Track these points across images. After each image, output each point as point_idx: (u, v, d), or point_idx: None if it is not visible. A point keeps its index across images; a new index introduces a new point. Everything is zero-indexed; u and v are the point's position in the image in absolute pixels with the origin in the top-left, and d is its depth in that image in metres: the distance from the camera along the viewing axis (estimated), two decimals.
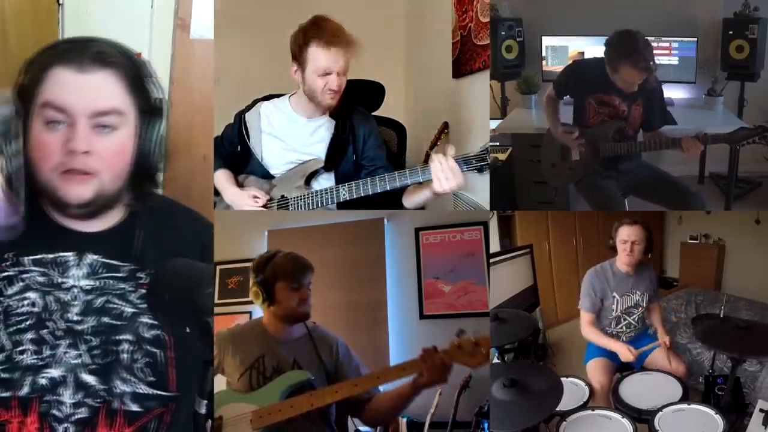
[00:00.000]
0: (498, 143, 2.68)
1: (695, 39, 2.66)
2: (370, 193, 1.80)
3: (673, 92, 2.72)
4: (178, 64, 2.08)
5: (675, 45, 2.68)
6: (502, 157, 2.63)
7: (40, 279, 1.25)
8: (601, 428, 1.72)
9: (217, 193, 2.04)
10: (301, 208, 1.91)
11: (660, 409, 1.73)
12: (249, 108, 2.08)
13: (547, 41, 2.86)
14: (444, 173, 1.67)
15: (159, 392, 1.27)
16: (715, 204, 2.62)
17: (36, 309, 1.23)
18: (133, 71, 1.26)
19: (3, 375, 1.20)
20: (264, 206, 1.95)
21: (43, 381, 1.21)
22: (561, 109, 2.31)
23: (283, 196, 1.96)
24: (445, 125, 2.58)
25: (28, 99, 1.21)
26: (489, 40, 2.30)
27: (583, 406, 1.85)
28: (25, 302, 1.23)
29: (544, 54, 2.88)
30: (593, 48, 2.69)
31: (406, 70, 3.48)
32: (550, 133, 2.33)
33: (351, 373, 1.66)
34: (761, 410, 1.68)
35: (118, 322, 1.27)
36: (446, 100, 2.67)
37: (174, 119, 1.47)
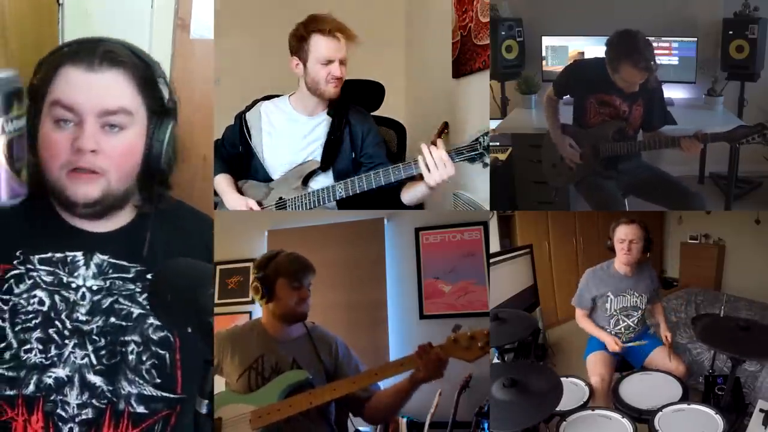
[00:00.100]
0: (498, 143, 2.68)
1: (695, 39, 2.67)
2: (366, 189, 1.81)
3: (673, 92, 2.72)
4: (178, 64, 2.07)
5: (675, 45, 2.68)
6: (502, 157, 2.63)
7: (48, 278, 1.25)
8: (601, 428, 1.72)
9: (216, 194, 2.05)
10: (298, 208, 1.92)
11: (660, 409, 1.73)
12: (249, 108, 2.10)
13: (547, 41, 2.86)
14: (433, 164, 1.67)
15: (165, 394, 1.27)
16: (715, 204, 2.62)
17: (43, 308, 1.24)
18: (143, 71, 1.26)
19: (9, 373, 1.21)
20: (262, 207, 1.97)
21: (48, 380, 1.22)
22: (561, 109, 2.31)
23: (280, 198, 1.96)
24: (445, 125, 2.59)
25: (39, 98, 1.21)
26: (489, 40, 2.30)
27: (583, 406, 1.85)
28: (33, 301, 1.24)
29: (544, 54, 2.88)
30: (593, 48, 2.69)
31: (406, 70, 3.48)
32: (549, 134, 2.33)
33: (351, 373, 1.67)
34: (761, 410, 1.68)
35: (126, 323, 1.27)
36: (446, 100, 2.67)
37: None
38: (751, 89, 2.66)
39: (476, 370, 2.11)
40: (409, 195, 1.88)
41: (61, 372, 1.23)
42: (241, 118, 2.09)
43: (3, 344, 1.21)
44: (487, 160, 1.71)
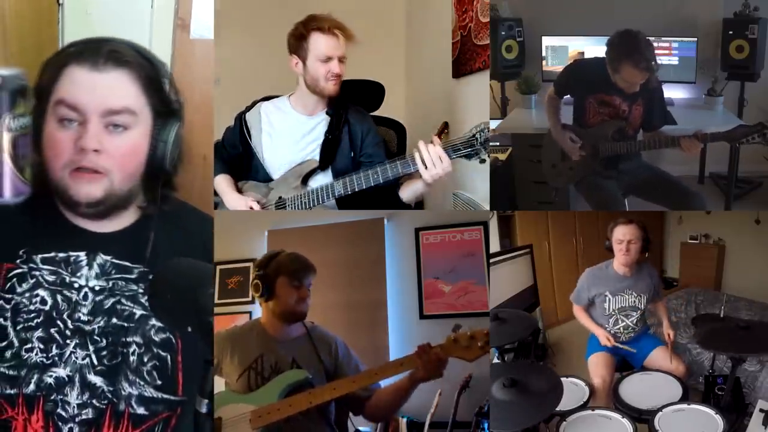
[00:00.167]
0: (498, 143, 2.68)
1: (695, 39, 2.66)
2: (364, 186, 1.81)
3: (673, 92, 2.72)
4: (178, 64, 2.07)
5: (675, 45, 2.68)
6: (502, 157, 2.63)
7: (51, 277, 1.25)
8: (601, 428, 1.72)
9: (216, 195, 2.05)
10: (297, 207, 1.93)
11: (660, 409, 1.73)
12: (249, 109, 2.10)
13: (547, 41, 2.86)
14: (429, 160, 1.68)
15: (166, 396, 1.27)
16: (715, 204, 2.62)
17: (45, 307, 1.24)
18: (149, 72, 1.25)
19: (10, 372, 1.20)
20: (262, 207, 1.97)
21: (49, 380, 1.21)
22: (561, 109, 2.32)
23: (280, 198, 1.97)
24: (445, 125, 2.59)
25: (44, 97, 1.21)
26: (489, 40, 2.31)
27: (583, 406, 1.85)
28: (35, 300, 1.23)
29: (544, 54, 2.88)
30: (593, 48, 2.69)
31: (406, 70, 3.49)
32: (550, 133, 2.33)
33: (350, 373, 1.67)
34: (761, 410, 1.68)
35: (128, 324, 1.27)
36: (446, 100, 2.67)
37: None
38: (751, 89, 2.66)
39: (476, 370, 2.11)
40: (407, 192, 1.88)
41: (61, 372, 1.22)
42: (240, 119, 2.09)
43: (4, 343, 1.21)
44: (484, 156, 1.70)
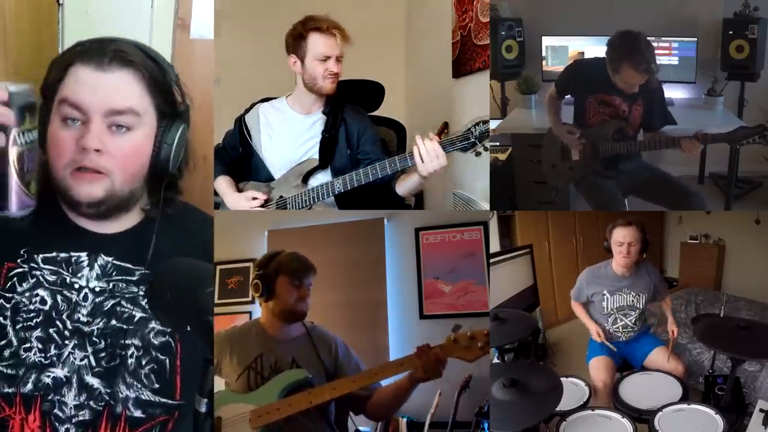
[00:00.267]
0: (498, 143, 2.68)
1: (695, 39, 2.66)
2: (363, 182, 1.83)
3: (673, 92, 2.72)
4: (178, 64, 2.07)
5: (675, 45, 2.68)
6: (502, 157, 2.63)
7: (51, 277, 1.24)
8: (601, 428, 1.72)
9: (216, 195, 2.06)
10: (298, 205, 1.94)
11: (660, 409, 1.73)
12: (248, 111, 2.13)
13: (547, 41, 2.86)
14: (426, 155, 1.70)
15: (163, 400, 1.26)
16: (715, 204, 2.62)
17: (45, 307, 1.23)
18: (154, 73, 1.25)
19: (8, 371, 1.20)
20: (263, 206, 1.98)
21: (47, 380, 1.21)
22: (562, 109, 2.32)
23: (281, 197, 1.98)
24: (445, 125, 2.58)
25: (50, 96, 1.21)
26: (489, 40, 2.31)
27: (583, 406, 1.85)
28: (35, 300, 1.23)
29: (544, 54, 2.88)
30: (593, 48, 2.69)
31: (406, 70, 3.48)
32: (550, 133, 2.33)
33: (351, 372, 1.67)
34: (761, 410, 1.68)
35: (127, 326, 1.26)
36: (446, 100, 2.67)
37: None
38: (751, 89, 2.66)
39: (476, 370, 2.11)
40: (403, 186, 1.90)
41: (59, 372, 1.22)
42: (240, 121, 2.12)
43: (3, 342, 1.21)
44: (480, 149, 1.71)
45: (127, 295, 1.27)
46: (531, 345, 2.51)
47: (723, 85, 2.69)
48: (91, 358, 1.24)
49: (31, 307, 1.23)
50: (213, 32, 2.01)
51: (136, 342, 1.26)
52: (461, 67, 2.50)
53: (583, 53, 2.79)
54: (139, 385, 1.25)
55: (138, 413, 1.25)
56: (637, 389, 1.95)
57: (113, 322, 1.26)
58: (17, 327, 1.22)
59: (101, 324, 1.25)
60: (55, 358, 1.22)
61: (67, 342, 1.23)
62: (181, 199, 1.38)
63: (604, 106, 2.16)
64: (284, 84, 2.12)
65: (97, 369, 1.24)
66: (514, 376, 1.63)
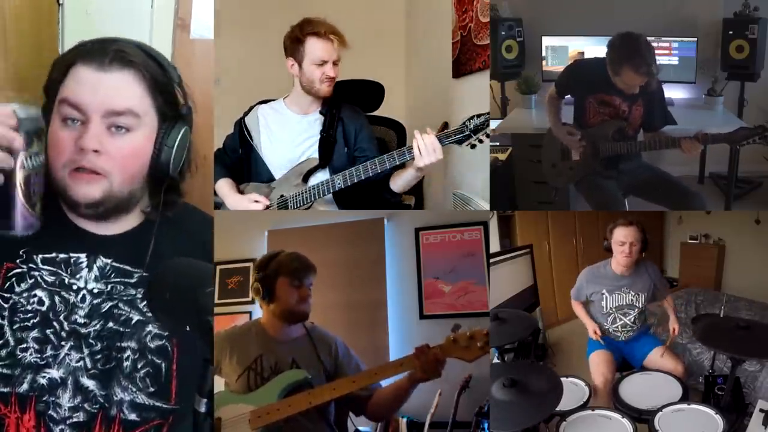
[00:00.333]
0: (498, 143, 2.68)
1: (695, 39, 2.66)
2: (363, 177, 1.87)
3: (673, 92, 2.71)
4: (178, 64, 2.07)
5: (675, 45, 2.68)
6: (502, 157, 2.63)
7: (50, 278, 1.24)
8: (601, 428, 1.72)
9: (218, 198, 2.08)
10: (299, 203, 1.97)
11: (660, 409, 1.73)
12: (247, 113, 2.16)
13: (547, 41, 2.86)
14: (424, 148, 1.76)
15: (158, 404, 1.25)
16: (715, 204, 2.62)
17: (42, 308, 1.23)
18: (156, 74, 1.24)
19: (4, 370, 1.20)
20: (266, 208, 2.00)
21: (42, 380, 1.21)
22: (562, 109, 2.32)
23: (281, 196, 2.00)
24: (445, 125, 2.58)
25: (52, 96, 1.21)
26: (489, 40, 2.30)
27: (583, 406, 1.85)
28: (33, 300, 1.23)
29: (544, 54, 2.87)
30: (593, 48, 2.69)
31: (406, 70, 3.48)
32: (550, 132, 2.33)
33: (351, 373, 1.67)
34: (761, 410, 1.68)
35: (124, 329, 1.25)
36: (446, 100, 2.67)
37: None
38: (751, 89, 2.66)
39: (476, 370, 2.11)
40: (398, 182, 1.93)
41: (55, 373, 1.21)
42: (240, 124, 2.14)
43: (0, 342, 1.20)
44: (475, 142, 1.78)
45: (125, 298, 1.26)
46: (531, 345, 2.51)
47: (723, 85, 2.69)
48: (87, 359, 1.23)
49: (29, 307, 1.22)
50: (213, 32, 2.01)
51: (133, 345, 1.25)
52: (461, 67, 2.50)
53: (583, 53, 2.79)
54: (135, 389, 1.24)
55: (133, 416, 1.24)
56: (637, 389, 1.95)
57: (110, 324, 1.25)
58: (14, 327, 1.21)
59: (98, 326, 1.24)
60: (51, 359, 1.21)
61: (63, 343, 1.22)
62: (182, 201, 1.37)
63: (604, 106, 2.16)
64: (284, 84, 2.13)
65: (92, 371, 1.23)
66: (514, 376, 1.63)
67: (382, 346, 2.65)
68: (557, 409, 1.69)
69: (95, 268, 1.26)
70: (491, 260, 2.66)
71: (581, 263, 3.21)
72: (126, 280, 1.27)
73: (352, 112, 2.09)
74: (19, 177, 0.96)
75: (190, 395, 1.19)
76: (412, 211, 2.62)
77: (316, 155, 2.03)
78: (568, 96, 2.30)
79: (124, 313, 1.26)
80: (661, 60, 2.60)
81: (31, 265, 1.23)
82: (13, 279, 1.23)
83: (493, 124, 2.60)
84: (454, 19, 2.59)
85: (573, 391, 1.94)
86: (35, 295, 1.23)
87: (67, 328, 1.23)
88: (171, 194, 1.33)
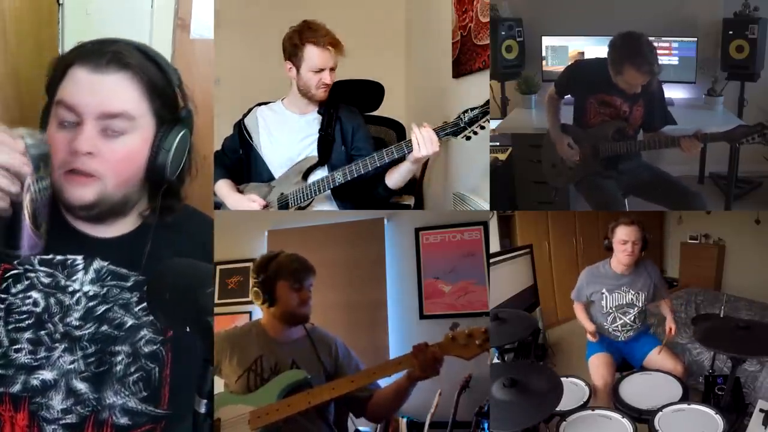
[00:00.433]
0: (498, 143, 2.68)
1: (695, 39, 2.66)
2: (363, 172, 1.92)
3: (673, 92, 2.71)
4: (178, 64, 2.08)
5: (675, 45, 2.68)
6: (502, 157, 2.63)
7: (46, 279, 1.23)
8: (601, 428, 1.72)
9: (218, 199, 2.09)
10: (300, 200, 2.01)
11: (660, 409, 1.73)
12: (246, 115, 2.19)
13: (547, 41, 2.86)
14: (422, 140, 1.82)
15: (149, 409, 1.24)
16: (715, 204, 2.62)
17: (37, 309, 1.22)
18: (154, 77, 1.22)
19: None
20: (265, 206, 2.03)
21: (35, 382, 1.20)
22: (562, 109, 2.31)
23: (282, 194, 2.01)
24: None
25: (51, 96, 1.20)
26: (489, 40, 2.30)
27: (583, 406, 1.85)
28: (28, 301, 1.22)
29: (544, 54, 2.87)
30: (593, 48, 2.69)
31: (406, 70, 3.48)
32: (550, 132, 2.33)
33: (351, 373, 1.67)
34: (761, 410, 1.68)
35: (117, 333, 1.24)
36: (446, 100, 2.67)
37: None
38: (751, 89, 2.66)
39: (476, 370, 2.11)
40: (393, 176, 1.98)
41: (48, 375, 1.21)
42: (240, 125, 2.17)
43: None
44: (470, 134, 1.84)
45: (119, 302, 1.25)
46: (531, 345, 2.51)
47: (723, 85, 2.69)
48: (80, 362, 1.22)
49: (24, 308, 1.21)
50: (213, 32, 2.02)
51: (126, 349, 1.24)
52: (461, 67, 2.50)
53: (583, 53, 2.79)
54: (126, 393, 1.23)
55: (124, 420, 1.23)
56: (637, 389, 1.95)
57: (104, 327, 1.24)
58: (9, 328, 1.20)
59: (92, 329, 1.23)
60: (44, 361, 1.21)
61: (57, 345, 1.22)
62: (181, 205, 1.36)
63: (605, 107, 2.16)
64: (284, 84, 2.14)
65: (85, 374, 1.22)
66: (514, 376, 1.63)
67: (382, 347, 2.65)
68: (557, 409, 1.69)
69: (91, 271, 1.25)
70: (491, 260, 2.66)
71: (581, 263, 3.20)
72: (121, 283, 1.26)
73: (349, 112, 2.13)
74: (26, 200, 0.99)
75: (182, 400, 1.20)
76: (412, 211, 2.62)
77: (315, 153, 2.06)
78: (568, 96, 2.29)
79: (118, 317, 1.25)
80: (661, 60, 2.60)
81: (27, 266, 1.23)
82: (10, 280, 1.22)
83: (493, 124, 2.60)
84: (454, 19, 2.59)
85: (573, 391, 1.94)
86: (30, 297, 1.22)
87: (61, 330, 1.22)
88: (170, 198, 1.31)
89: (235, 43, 3.05)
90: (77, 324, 1.23)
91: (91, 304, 1.24)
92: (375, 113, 2.50)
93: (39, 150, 1.00)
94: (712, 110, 2.70)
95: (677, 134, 2.06)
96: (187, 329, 0.96)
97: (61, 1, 1.95)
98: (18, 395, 1.19)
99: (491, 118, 2.05)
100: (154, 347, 1.26)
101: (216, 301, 2.92)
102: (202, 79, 2.04)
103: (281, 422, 1.51)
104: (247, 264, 2.94)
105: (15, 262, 1.23)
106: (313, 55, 2.00)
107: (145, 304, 1.25)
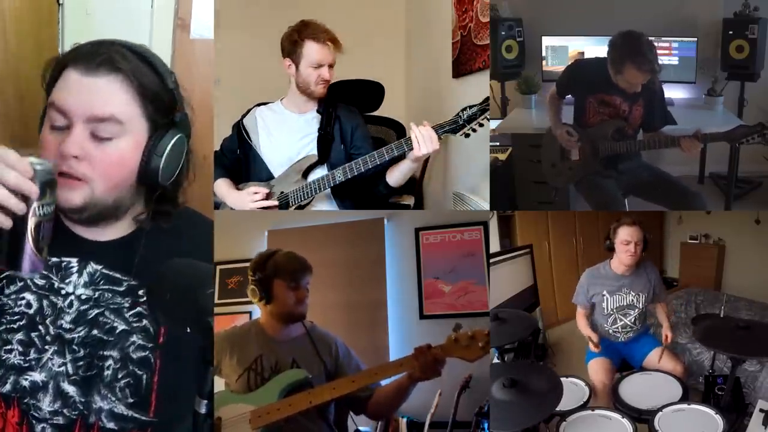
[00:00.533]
0: (498, 143, 2.68)
1: (695, 39, 2.66)
2: (363, 170, 1.92)
3: (673, 92, 2.71)
4: (178, 64, 2.08)
5: (675, 45, 2.68)
6: (502, 157, 2.63)
7: (40, 281, 1.22)
8: (601, 428, 1.72)
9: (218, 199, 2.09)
10: (300, 198, 2.01)
11: (660, 409, 1.73)
12: (245, 115, 2.19)
13: (547, 41, 2.86)
14: (422, 138, 1.83)
15: (136, 415, 1.23)
16: (715, 204, 2.62)
17: (30, 311, 1.21)
18: (147, 80, 1.20)
19: None
20: (266, 198, 2.04)
21: (24, 383, 1.20)
22: (562, 109, 2.32)
23: (282, 192, 2.02)
24: None
25: (47, 97, 1.20)
26: (489, 40, 2.30)
27: (583, 406, 1.85)
28: (21, 303, 1.21)
29: (544, 54, 2.87)
30: (593, 48, 2.69)
31: (406, 70, 3.48)
32: (550, 132, 2.33)
33: (351, 372, 1.67)
34: (761, 410, 1.68)
35: (108, 337, 1.23)
36: (446, 100, 2.67)
37: None
38: (751, 89, 2.66)
39: (476, 370, 2.11)
40: (394, 174, 1.99)
41: (37, 376, 1.20)
42: (239, 125, 2.17)
43: None
44: (468, 131, 1.85)
45: (111, 306, 1.24)
46: (531, 345, 2.51)
47: (723, 85, 2.69)
48: (69, 365, 1.21)
49: (17, 309, 1.21)
50: (213, 32, 2.02)
51: (115, 354, 1.23)
52: (461, 67, 2.50)
53: (583, 53, 2.79)
54: (114, 398, 1.22)
55: (111, 425, 1.22)
56: (637, 389, 1.95)
57: (95, 331, 1.22)
58: (1, 328, 1.20)
59: (83, 332, 1.22)
60: (34, 362, 1.20)
61: (47, 347, 1.21)
62: (179, 210, 1.34)
63: (605, 106, 2.16)
64: (284, 83, 2.14)
65: (73, 377, 1.21)
66: (514, 376, 1.63)
67: (382, 346, 2.65)
68: (557, 409, 1.69)
69: (85, 274, 1.24)
70: (491, 260, 2.66)
71: (581, 263, 3.21)
72: (114, 288, 1.25)
73: (348, 111, 2.13)
74: (31, 224, 1.03)
75: (170, 409, 1.20)
76: (412, 211, 2.62)
77: (315, 152, 2.06)
78: (569, 96, 2.30)
79: (109, 321, 1.24)
80: (661, 60, 2.59)
81: None
82: (4, 281, 1.22)
83: (493, 124, 2.60)
84: (454, 19, 2.59)
85: (573, 391, 1.94)
86: (24, 298, 1.22)
87: (52, 333, 1.21)
88: (164, 204, 1.29)
89: (235, 43, 3.05)
90: (69, 327, 1.22)
91: (83, 307, 1.23)
92: (375, 113, 2.50)
93: (46, 176, 1.04)
94: (712, 110, 2.70)
95: (677, 134, 2.06)
96: (188, 329, 0.96)
97: (61, 1, 1.95)
98: (8, 395, 1.20)
99: (491, 118, 2.05)
100: (144, 353, 1.24)
101: (216, 301, 2.92)
102: (202, 79, 2.05)
103: (282, 422, 1.51)
104: (247, 264, 2.92)
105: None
106: (312, 50, 2.01)
107: (137, 309, 1.24)
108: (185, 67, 2.08)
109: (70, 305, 1.23)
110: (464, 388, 2.20)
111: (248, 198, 2.03)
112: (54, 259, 1.23)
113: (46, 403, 1.20)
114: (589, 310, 2.27)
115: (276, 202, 2.04)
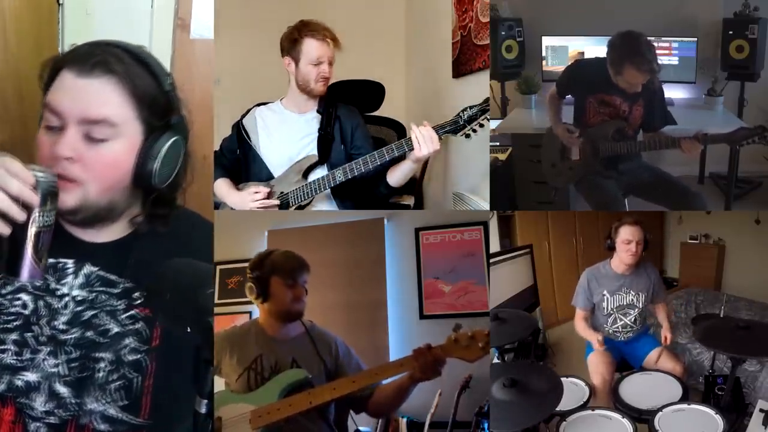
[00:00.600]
0: (498, 143, 2.68)
1: (695, 39, 2.66)
2: (363, 170, 1.93)
3: (673, 92, 2.71)
4: (178, 64, 2.08)
5: (675, 45, 2.68)
6: (502, 157, 2.63)
7: (36, 282, 1.22)
8: (601, 428, 1.72)
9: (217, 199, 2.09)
10: (300, 198, 2.02)
11: (660, 409, 1.73)
12: (244, 115, 2.19)
13: (547, 41, 2.86)
14: (422, 139, 1.84)
15: (128, 418, 1.23)
16: (715, 204, 2.62)
17: (26, 311, 1.21)
18: (142, 82, 1.19)
19: None
20: (267, 198, 2.04)
21: (18, 383, 1.20)
22: (562, 109, 2.32)
23: (282, 192, 2.02)
24: None
25: (44, 98, 1.19)
26: (489, 40, 2.30)
27: (583, 406, 1.85)
28: (17, 303, 1.21)
29: (544, 54, 2.87)
30: (593, 48, 2.69)
31: (406, 70, 3.48)
32: (550, 132, 2.34)
33: (351, 372, 1.67)
34: (761, 410, 1.68)
35: (101, 339, 1.23)
36: (446, 100, 2.67)
37: None
38: (751, 89, 2.66)
39: (476, 370, 2.11)
40: (395, 174, 2.00)
41: (31, 377, 1.20)
42: (238, 126, 2.17)
43: None
44: (469, 132, 1.86)
45: (106, 308, 1.24)
46: (531, 345, 2.51)
47: (723, 85, 2.69)
48: (63, 366, 1.21)
49: (12, 309, 1.21)
50: (213, 32, 2.02)
51: (109, 356, 1.22)
52: (461, 67, 2.50)
53: (583, 53, 2.79)
54: (107, 400, 1.22)
55: (103, 427, 1.21)
56: (637, 389, 1.95)
57: (89, 333, 1.22)
58: None
59: (77, 334, 1.22)
60: (28, 363, 1.20)
61: (41, 348, 1.21)
62: (176, 212, 1.34)
63: (605, 106, 2.16)
64: (284, 83, 2.14)
65: (67, 378, 1.21)
66: (514, 376, 1.63)
67: (382, 346, 2.65)
68: (557, 409, 1.69)
69: (81, 275, 1.24)
70: (491, 260, 2.66)
71: (581, 263, 3.21)
72: (110, 290, 1.25)
73: (348, 111, 2.13)
74: (31, 232, 1.04)
75: (163, 413, 1.20)
76: (412, 211, 2.62)
77: (315, 152, 2.06)
78: (569, 96, 2.30)
79: (103, 323, 1.23)
80: (661, 60, 2.60)
81: None
82: (0, 282, 1.22)
83: (493, 124, 2.60)
84: (454, 19, 2.59)
85: (573, 391, 1.94)
86: (20, 299, 1.22)
87: (47, 333, 1.21)
88: (161, 207, 1.29)
89: (235, 43, 3.05)
90: (63, 328, 1.22)
91: (78, 309, 1.23)
92: (375, 113, 2.50)
93: (48, 186, 1.05)
94: (712, 110, 2.70)
95: (677, 135, 2.06)
96: (188, 329, 0.96)
97: (61, 1, 1.95)
98: (3, 394, 1.19)
99: (491, 118, 2.05)
100: (137, 356, 1.24)
101: (216, 301, 2.92)
102: (202, 79, 2.05)
103: (282, 422, 1.51)
104: (247, 264, 2.93)
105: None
106: (311, 47, 2.02)
107: (131, 312, 1.24)
108: (185, 67, 2.08)
109: (66, 306, 1.23)
110: (464, 388, 2.20)
111: (249, 198, 2.03)
112: (51, 260, 1.23)
113: (40, 404, 1.20)
114: (589, 312, 2.26)
115: (277, 202, 2.04)
